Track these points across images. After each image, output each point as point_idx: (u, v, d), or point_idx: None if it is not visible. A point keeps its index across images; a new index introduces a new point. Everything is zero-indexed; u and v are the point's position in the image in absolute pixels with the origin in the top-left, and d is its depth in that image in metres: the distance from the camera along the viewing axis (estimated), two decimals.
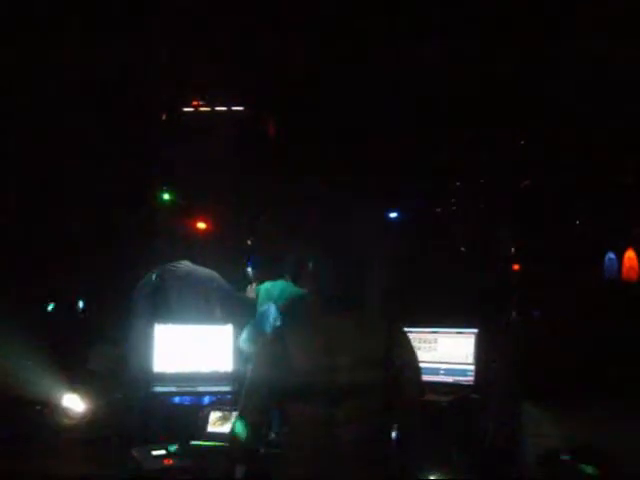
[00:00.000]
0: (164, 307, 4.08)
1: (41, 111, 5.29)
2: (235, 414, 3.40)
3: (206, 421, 3.45)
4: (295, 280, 3.98)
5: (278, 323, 3.76)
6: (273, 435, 3.22)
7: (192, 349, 3.79)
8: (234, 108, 5.54)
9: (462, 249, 5.77)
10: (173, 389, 3.76)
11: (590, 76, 5.00)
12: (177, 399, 3.74)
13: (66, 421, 3.65)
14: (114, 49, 4.95)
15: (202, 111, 5.52)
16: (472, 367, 3.62)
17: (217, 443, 3.32)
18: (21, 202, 5.52)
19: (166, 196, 5.94)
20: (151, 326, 3.72)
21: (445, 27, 5.13)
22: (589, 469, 3.10)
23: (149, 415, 3.63)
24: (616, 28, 4.76)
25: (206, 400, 3.75)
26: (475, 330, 3.68)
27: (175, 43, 5.10)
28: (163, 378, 3.83)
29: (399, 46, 5.24)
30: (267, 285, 4.09)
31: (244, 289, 4.40)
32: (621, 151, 5.31)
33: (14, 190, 5.45)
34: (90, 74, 5.16)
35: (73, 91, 5.24)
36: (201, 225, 5.89)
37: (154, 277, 4.17)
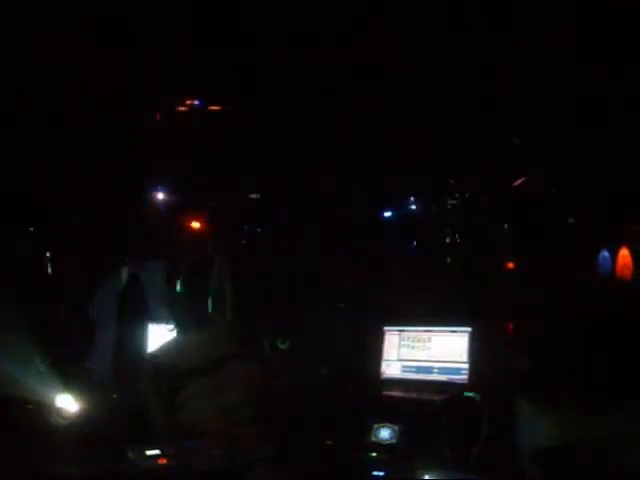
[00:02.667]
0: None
1: (33, 111, 5.28)
2: None
3: None
4: None
5: None
6: None
7: None
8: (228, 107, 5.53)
9: (457, 246, 5.78)
10: None
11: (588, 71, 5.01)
12: None
13: (59, 421, 3.65)
14: (108, 50, 4.94)
15: (195, 110, 5.52)
16: (466, 366, 3.62)
17: None
18: (18, 200, 5.50)
19: (160, 196, 5.95)
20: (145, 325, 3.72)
21: (442, 22, 5.13)
22: None
23: (143, 415, 3.62)
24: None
25: None
26: (469, 329, 3.68)
27: (171, 41, 5.09)
28: None
29: (391, 39, 5.23)
30: None
31: None
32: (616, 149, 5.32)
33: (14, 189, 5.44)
34: (85, 73, 5.15)
35: (67, 90, 5.22)
36: (195, 225, 5.91)
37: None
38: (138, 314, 4.15)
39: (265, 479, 2.46)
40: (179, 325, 2.60)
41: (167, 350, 2.62)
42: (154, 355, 2.67)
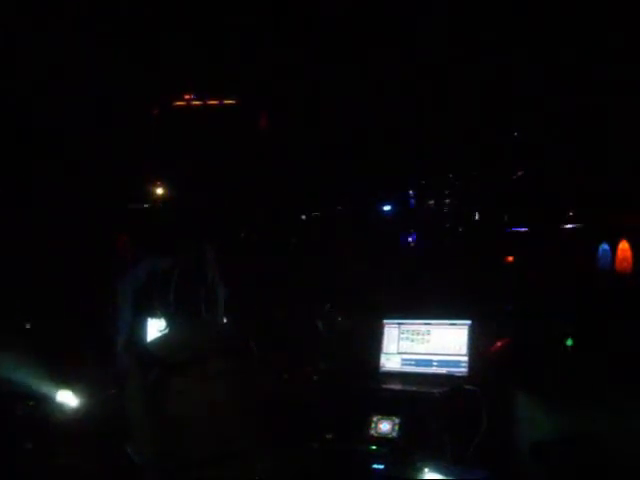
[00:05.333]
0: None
1: (32, 108, 5.29)
2: None
3: None
4: None
5: None
6: None
7: None
8: (226, 101, 5.55)
9: (456, 240, 5.78)
10: None
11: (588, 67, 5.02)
12: None
13: (60, 417, 3.65)
14: (105, 46, 4.95)
15: (194, 105, 5.53)
16: (465, 358, 3.62)
17: None
18: (18, 198, 5.52)
19: (159, 191, 5.96)
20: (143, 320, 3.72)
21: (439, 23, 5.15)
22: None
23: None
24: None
25: None
26: (468, 321, 3.68)
27: (167, 37, 5.10)
28: None
29: (395, 44, 5.25)
30: None
31: None
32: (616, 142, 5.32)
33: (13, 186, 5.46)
34: (82, 70, 5.15)
35: (65, 88, 5.23)
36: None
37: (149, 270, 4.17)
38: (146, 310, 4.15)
39: (249, 472, 2.47)
40: (169, 321, 2.61)
41: (154, 345, 2.63)
42: (143, 349, 2.68)
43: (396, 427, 3.42)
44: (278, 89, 5.62)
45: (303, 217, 5.83)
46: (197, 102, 5.55)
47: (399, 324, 3.84)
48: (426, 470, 3.11)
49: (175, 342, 2.58)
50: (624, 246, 5.33)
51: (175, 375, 2.49)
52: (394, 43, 5.27)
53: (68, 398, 3.71)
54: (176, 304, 2.59)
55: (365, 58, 5.41)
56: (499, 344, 3.79)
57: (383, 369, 3.83)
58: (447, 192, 5.83)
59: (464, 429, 3.31)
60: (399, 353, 3.80)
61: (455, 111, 5.64)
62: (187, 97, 5.55)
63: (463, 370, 3.61)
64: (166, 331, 2.62)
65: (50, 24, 4.86)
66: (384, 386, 3.69)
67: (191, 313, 2.59)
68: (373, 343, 3.87)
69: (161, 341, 2.62)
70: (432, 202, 5.88)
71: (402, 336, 3.81)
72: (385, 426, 3.44)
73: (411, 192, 5.94)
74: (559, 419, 3.27)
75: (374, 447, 3.41)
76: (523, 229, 5.63)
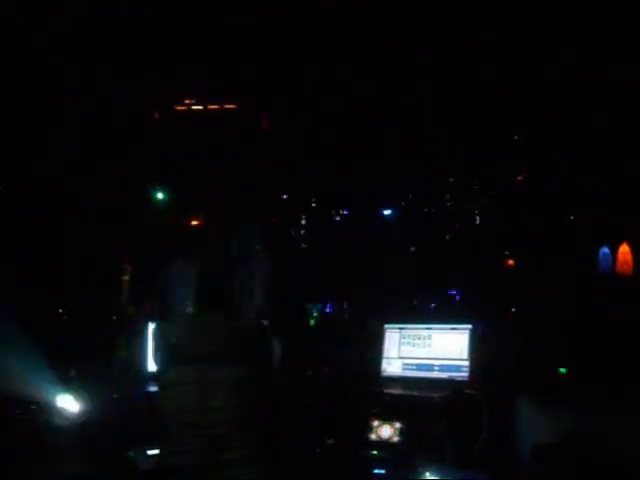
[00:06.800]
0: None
1: (36, 111, 5.29)
2: None
3: None
4: None
5: None
6: None
7: None
8: (226, 106, 5.54)
9: (457, 244, 5.78)
10: None
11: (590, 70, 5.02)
12: None
13: (60, 421, 3.65)
14: (106, 50, 4.95)
15: (194, 109, 5.53)
16: (466, 363, 3.62)
17: None
18: (22, 203, 5.52)
19: (160, 195, 5.94)
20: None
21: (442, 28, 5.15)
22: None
23: (144, 415, 3.62)
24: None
25: None
26: (469, 326, 3.67)
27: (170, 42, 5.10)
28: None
29: (395, 45, 5.25)
30: None
31: None
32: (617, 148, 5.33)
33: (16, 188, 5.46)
34: (84, 74, 5.15)
35: (66, 92, 5.23)
36: (194, 223, 5.92)
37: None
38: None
39: (249, 476, 2.47)
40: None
41: (171, 327, 2.64)
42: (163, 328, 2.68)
43: (397, 431, 3.42)
44: (278, 89, 5.61)
45: (303, 222, 5.82)
46: (197, 106, 5.54)
47: (400, 329, 3.84)
48: (427, 474, 3.12)
49: (190, 331, 2.59)
50: (625, 249, 5.33)
51: (179, 377, 2.50)
52: (394, 43, 5.26)
53: (69, 403, 3.70)
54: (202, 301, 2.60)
55: (365, 58, 5.41)
56: None
57: (384, 373, 3.82)
58: (448, 195, 5.83)
59: (465, 433, 3.31)
60: (400, 358, 3.80)
61: (455, 111, 5.63)
62: (187, 101, 5.55)
63: (464, 374, 3.61)
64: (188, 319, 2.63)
65: (51, 27, 4.86)
66: (385, 390, 3.69)
67: (215, 312, 2.60)
68: (374, 347, 3.86)
69: (178, 325, 2.63)
70: (432, 205, 5.89)
71: (403, 340, 3.81)
72: (386, 430, 3.44)
73: (411, 195, 5.95)
74: (560, 422, 3.27)
75: (375, 452, 3.41)
76: (523, 232, 5.64)
